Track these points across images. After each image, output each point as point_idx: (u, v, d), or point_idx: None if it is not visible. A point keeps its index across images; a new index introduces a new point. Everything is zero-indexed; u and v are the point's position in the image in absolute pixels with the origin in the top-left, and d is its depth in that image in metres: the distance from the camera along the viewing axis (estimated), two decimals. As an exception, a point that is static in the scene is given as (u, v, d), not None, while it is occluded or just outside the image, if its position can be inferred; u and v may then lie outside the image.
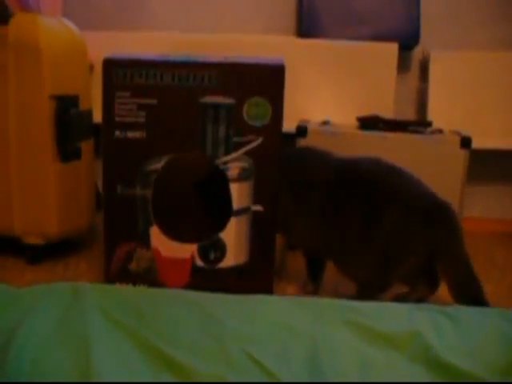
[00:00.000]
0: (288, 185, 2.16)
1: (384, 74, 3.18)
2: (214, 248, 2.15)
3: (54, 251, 2.53)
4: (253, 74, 2.04)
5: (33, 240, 2.47)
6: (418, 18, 3.21)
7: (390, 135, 2.73)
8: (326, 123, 2.90)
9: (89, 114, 2.57)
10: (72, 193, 2.51)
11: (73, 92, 2.46)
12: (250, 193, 2.11)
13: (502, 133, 3.15)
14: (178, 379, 1.28)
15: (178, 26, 3.34)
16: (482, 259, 2.80)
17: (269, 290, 2.13)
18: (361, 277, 2.12)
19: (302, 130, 2.73)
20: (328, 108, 3.17)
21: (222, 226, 2.14)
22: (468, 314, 1.64)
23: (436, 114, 3.16)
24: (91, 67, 2.70)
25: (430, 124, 2.88)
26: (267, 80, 2.04)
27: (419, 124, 2.92)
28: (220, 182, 2.10)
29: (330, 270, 2.27)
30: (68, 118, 2.41)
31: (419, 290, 2.13)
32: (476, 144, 2.69)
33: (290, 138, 2.65)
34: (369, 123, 2.81)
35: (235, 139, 2.06)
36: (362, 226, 2.06)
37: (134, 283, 2.13)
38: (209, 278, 2.16)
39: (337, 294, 2.13)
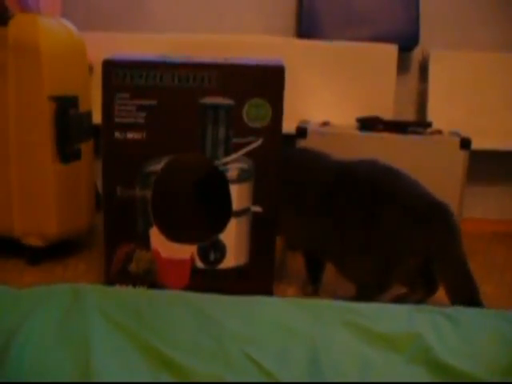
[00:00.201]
0: (286, 186, 2.16)
1: (384, 75, 3.18)
2: (213, 249, 2.15)
3: (54, 252, 2.53)
4: (253, 75, 2.05)
5: (32, 241, 2.47)
6: (417, 19, 3.21)
7: (389, 136, 2.74)
8: (325, 124, 2.90)
9: (88, 114, 2.57)
10: (72, 194, 2.51)
11: (72, 93, 2.46)
12: (249, 194, 2.11)
13: (502, 133, 3.14)
14: (177, 380, 1.28)
15: (177, 27, 3.34)
16: (481, 260, 2.80)
17: (269, 291, 2.13)
18: (359, 278, 2.12)
19: (301, 131, 2.73)
20: (328, 109, 3.17)
21: (221, 227, 2.14)
22: (468, 315, 1.64)
23: (436, 115, 3.15)
24: (91, 68, 2.70)
25: (429, 125, 2.88)
26: (267, 81, 2.04)
27: (419, 125, 2.92)
28: (220, 183, 2.10)
29: (330, 272, 2.27)
30: (67, 119, 2.41)
31: (418, 292, 2.13)
32: (476, 145, 2.69)
33: (290, 139, 2.65)
34: (369, 124, 2.81)
35: (235, 140, 2.07)
36: (360, 227, 2.06)
37: (134, 284, 2.13)
38: (209, 279, 2.16)
39: (336, 296, 2.13)
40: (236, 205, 2.12)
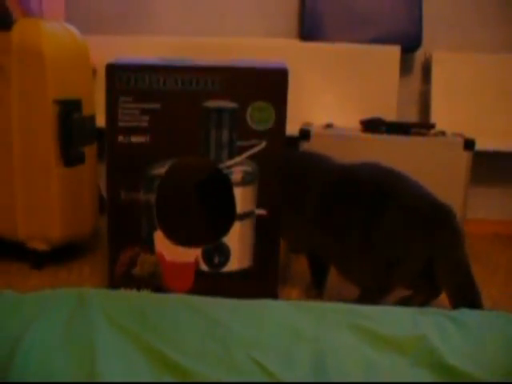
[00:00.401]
0: (288, 189, 2.16)
1: (387, 77, 3.18)
2: (218, 252, 2.15)
3: (58, 256, 2.53)
4: (256, 78, 2.05)
5: (36, 245, 2.47)
6: (420, 21, 3.21)
7: (393, 138, 2.73)
8: (329, 126, 2.90)
9: (92, 118, 2.57)
10: (75, 197, 2.51)
11: (76, 96, 2.46)
12: (253, 197, 2.11)
13: (506, 134, 3.14)
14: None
15: (180, 31, 3.35)
16: (485, 261, 2.80)
17: (273, 294, 2.13)
18: (362, 281, 2.12)
19: (305, 134, 2.73)
20: (331, 111, 3.17)
21: (225, 230, 2.14)
22: (472, 317, 1.64)
23: (439, 116, 3.15)
24: (94, 72, 2.70)
25: (432, 126, 2.87)
26: (270, 84, 2.04)
27: (422, 126, 2.92)
28: (224, 186, 2.10)
29: (334, 274, 2.27)
30: (71, 123, 2.42)
31: (422, 294, 2.13)
32: (479, 146, 2.69)
33: (294, 141, 2.65)
34: (372, 126, 2.81)
35: (239, 143, 2.06)
36: (362, 229, 2.06)
37: (138, 288, 2.13)
38: (213, 282, 2.16)
39: (341, 298, 2.12)
40: (240, 208, 2.12)
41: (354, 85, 3.21)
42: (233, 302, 1.66)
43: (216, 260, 2.15)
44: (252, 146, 2.06)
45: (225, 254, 2.15)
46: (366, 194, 2.09)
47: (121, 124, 2.06)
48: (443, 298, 2.04)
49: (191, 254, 2.15)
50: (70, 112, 2.41)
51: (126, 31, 3.33)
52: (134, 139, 2.07)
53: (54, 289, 1.72)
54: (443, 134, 2.80)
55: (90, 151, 2.57)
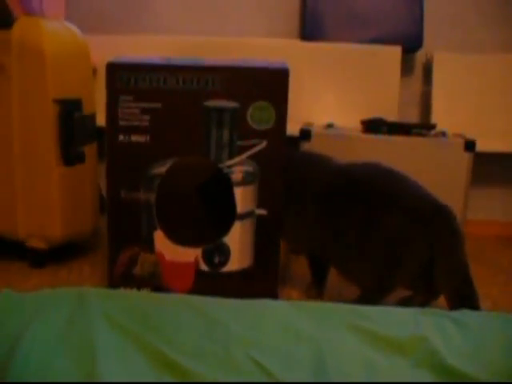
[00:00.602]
0: (287, 189, 2.15)
1: (388, 77, 3.18)
2: (218, 252, 2.14)
3: (58, 255, 2.53)
4: (257, 77, 2.04)
5: (36, 244, 2.47)
6: (421, 21, 3.21)
7: (393, 138, 2.73)
8: (329, 126, 2.90)
9: (92, 117, 2.57)
10: (75, 197, 2.51)
11: (76, 96, 2.46)
12: (254, 196, 2.10)
13: (506, 135, 3.14)
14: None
15: (181, 30, 3.34)
16: (486, 262, 2.80)
17: (273, 294, 2.12)
18: (362, 281, 2.12)
19: (305, 134, 2.72)
20: (332, 111, 3.17)
21: (226, 229, 2.14)
22: (474, 318, 1.63)
23: (440, 117, 3.15)
24: (94, 71, 2.70)
25: (433, 127, 2.87)
26: (271, 84, 2.04)
27: (423, 127, 2.91)
28: (224, 185, 2.09)
29: (334, 274, 2.27)
30: (71, 122, 2.41)
31: (422, 294, 2.12)
32: (480, 147, 2.69)
33: (294, 141, 2.64)
34: (373, 126, 2.81)
35: (239, 143, 2.06)
36: (362, 230, 2.06)
37: (138, 287, 2.12)
38: (213, 282, 2.16)
39: (341, 298, 2.12)
40: (240, 208, 2.11)
41: (355, 85, 3.21)
42: (233, 301, 1.66)
43: (216, 260, 2.15)
44: (252, 146, 2.06)
45: (225, 253, 2.14)
46: (366, 194, 2.08)
47: (121, 123, 2.06)
48: (443, 298, 2.04)
49: (191, 254, 2.15)
50: (70, 111, 2.41)
51: (126, 30, 3.33)
52: (135, 138, 2.07)
53: (53, 288, 1.72)
54: (444, 134, 2.79)
55: (91, 150, 2.57)
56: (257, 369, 1.33)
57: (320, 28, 3.24)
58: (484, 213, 3.35)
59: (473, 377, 1.33)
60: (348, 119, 3.01)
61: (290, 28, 3.33)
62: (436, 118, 3.17)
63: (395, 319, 1.60)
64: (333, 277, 2.29)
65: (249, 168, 2.08)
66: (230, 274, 2.16)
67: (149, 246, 2.14)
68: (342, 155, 2.29)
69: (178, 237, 2.13)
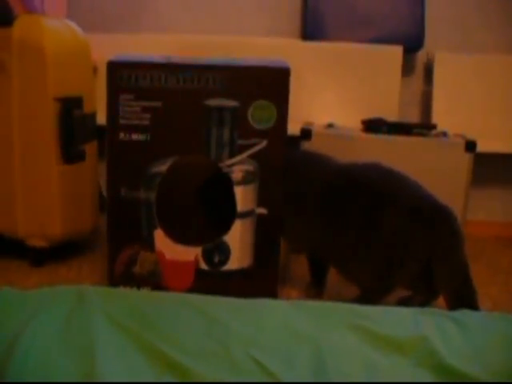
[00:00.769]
0: (288, 189, 2.15)
1: (388, 77, 3.17)
2: (218, 251, 2.14)
3: (58, 253, 2.52)
4: (258, 76, 2.04)
5: (36, 242, 2.47)
6: (422, 21, 3.21)
7: (394, 138, 2.73)
8: (330, 126, 2.90)
9: (93, 116, 2.57)
10: (75, 195, 2.51)
11: (77, 94, 2.46)
12: (254, 196, 2.10)
13: (507, 136, 3.14)
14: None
15: (182, 28, 3.34)
16: (486, 262, 2.80)
17: (273, 293, 2.12)
18: (362, 281, 2.12)
19: (306, 133, 2.72)
20: (332, 111, 3.17)
21: (226, 228, 2.14)
22: (473, 318, 1.63)
23: (440, 117, 3.15)
24: (95, 69, 2.70)
25: (434, 127, 2.87)
26: (272, 83, 2.04)
27: (424, 127, 2.91)
28: (224, 184, 2.09)
29: (334, 274, 2.26)
30: (72, 120, 2.41)
31: (422, 294, 2.12)
32: (481, 147, 2.68)
33: (295, 140, 2.64)
34: (373, 126, 2.80)
35: (240, 142, 2.06)
36: (362, 230, 2.06)
37: (138, 286, 2.12)
38: (213, 281, 2.16)
39: (340, 298, 2.12)
40: (240, 207, 2.11)
41: (356, 85, 3.20)
42: (232, 301, 1.66)
43: (216, 259, 2.15)
44: (253, 145, 2.06)
45: (225, 252, 2.14)
46: (366, 194, 2.08)
47: (122, 122, 2.06)
48: (442, 298, 2.04)
49: (191, 253, 2.15)
50: (70, 109, 2.41)
51: (127, 29, 3.32)
52: (135, 137, 2.06)
53: (53, 286, 1.72)
54: (445, 134, 2.79)
55: (91, 149, 2.57)
56: (257, 368, 1.33)
57: (321, 27, 3.23)
58: (484, 213, 3.35)
59: (473, 377, 1.33)
60: (349, 119, 3.01)
61: (292, 27, 3.32)
62: (436, 118, 3.17)
63: (395, 319, 1.60)
64: (332, 276, 2.29)
65: (249, 167, 2.07)
66: (230, 273, 2.16)
67: (149, 244, 2.14)
68: (343, 155, 2.29)
69: (178, 236, 2.13)
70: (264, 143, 2.06)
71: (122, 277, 2.16)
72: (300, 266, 2.45)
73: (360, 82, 3.19)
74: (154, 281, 2.15)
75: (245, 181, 2.09)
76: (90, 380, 1.24)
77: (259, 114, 2.04)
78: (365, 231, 2.05)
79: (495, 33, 3.27)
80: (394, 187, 2.08)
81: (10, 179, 2.42)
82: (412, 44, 3.22)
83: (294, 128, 2.45)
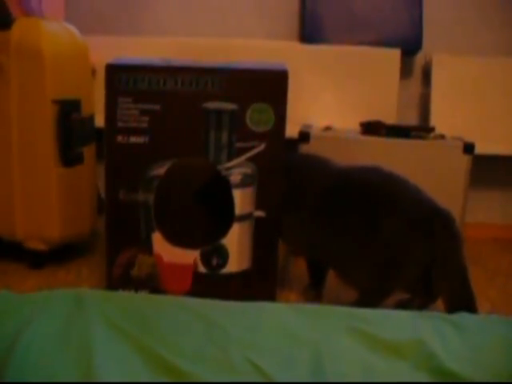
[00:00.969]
0: (287, 192, 2.15)
1: (387, 80, 3.18)
2: (216, 254, 2.14)
3: (56, 256, 2.52)
4: (256, 79, 2.04)
5: (35, 245, 2.46)
6: (420, 24, 3.21)
7: (392, 141, 2.73)
8: (328, 128, 2.90)
9: (91, 118, 2.57)
10: (74, 197, 2.51)
11: (75, 96, 2.46)
12: (252, 199, 2.10)
13: (505, 138, 3.14)
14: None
15: (180, 31, 3.34)
16: (484, 265, 2.80)
17: (272, 296, 2.12)
18: (361, 284, 2.11)
19: (304, 136, 2.72)
20: (331, 113, 3.17)
21: (224, 231, 2.14)
22: (472, 321, 1.63)
23: (439, 120, 3.15)
24: (93, 72, 2.70)
25: (432, 129, 2.87)
26: (270, 86, 2.04)
27: (422, 129, 2.91)
28: (223, 187, 2.09)
29: (333, 277, 2.26)
30: (70, 123, 2.41)
31: (421, 297, 2.12)
32: (479, 149, 2.68)
33: (293, 143, 2.64)
34: (371, 128, 2.81)
35: (238, 145, 2.06)
36: (361, 234, 2.06)
37: (136, 289, 2.12)
38: (211, 284, 2.16)
39: (339, 301, 2.12)
40: (239, 209, 2.11)
41: (354, 87, 3.20)
42: (231, 304, 1.66)
43: (214, 262, 2.15)
44: (251, 148, 2.06)
45: (223, 255, 2.14)
46: (365, 197, 2.08)
47: (120, 124, 2.06)
48: (441, 301, 2.04)
49: (189, 256, 2.15)
50: (69, 112, 2.41)
51: (126, 31, 3.32)
52: (133, 140, 2.06)
53: (51, 289, 1.71)
54: (443, 137, 2.79)
55: (89, 151, 2.57)
56: (255, 371, 1.33)
57: (319, 30, 3.23)
58: (483, 215, 3.35)
59: (470, 380, 1.33)
60: (347, 121, 3.01)
61: (290, 30, 3.32)
62: (435, 120, 3.17)
63: (393, 322, 1.60)
64: (331, 279, 2.29)
65: (247, 170, 2.07)
66: (229, 276, 2.16)
67: (147, 247, 2.14)
68: (341, 157, 2.29)
69: (177, 238, 2.13)
70: (262, 146, 2.06)
71: (120, 280, 2.16)
72: (299, 269, 2.45)
73: (358, 84, 3.20)
74: (153, 284, 2.15)
75: (243, 184, 2.09)
76: (88, 381, 1.24)
77: (257, 117, 2.04)
78: (364, 234, 2.05)
79: (493, 35, 3.27)
80: (394, 190, 2.08)
81: (8, 182, 2.42)
82: (410, 47, 3.23)
83: (292, 131, 2.45)
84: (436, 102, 3.22)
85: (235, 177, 2.08)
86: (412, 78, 3.36)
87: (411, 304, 2.10)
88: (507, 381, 1.36)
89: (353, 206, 2.09)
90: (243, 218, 2.12)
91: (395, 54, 3.16)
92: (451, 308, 1.92)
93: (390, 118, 3.03)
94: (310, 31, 3.24)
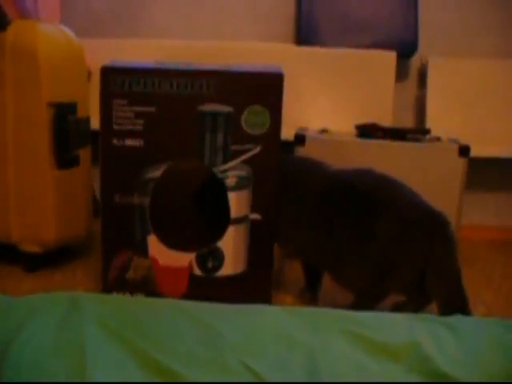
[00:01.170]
0: (281, 195, 2.15)
1: (382, 82, 3.18)
2: (211, 257, 2.14)
3: (52, 259, 2.52)
4: (251, 82, 2.04)
5: (30, 247, 2.46)
6: (416, 26, 3.22)
7: (388, 143, 2.73)
8: (324, 131, 2.90)
9: (86, 121, 2.57)
10: (70, 200, 2.50)
11: (70, 99, 2.45)
12: (248, 201, 2.10)
13: (501, 141, 3.14)
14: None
15: (176, 34, 3.34)
16: (480, 267, 2.80)
17: (267, 299, 2.12)
18: (356, 287, 2.11)
19: (300, 138, 2.72)
20: (326, 116, 3.17)
21: (219, 234, 2.13)
22: (467, 324, 1.63)
23: (434, 122, 3.15)
24: (89, 74, 2.70)
25: (428, 132, 2.87)
26: (266, 88, 2.04)
27: (417, 132, 2.92)
28: (218, 190, 2.09)
29: (329, 280, 2.26)
30: (66, 125, 2.41)
31: (416, 299, 2.12)
32: (474, 152, 2.69)
33: (289, 146, 2.64)
34: (367, 131, 2.81)
35: (233, 147, 2.06)
36: (356, 237, 2.05)
37: (132, 292, 2.12)
38: (206, 286, 2.16)
39: (335, 304, 2.12)
40: (234, 212, 2.11)
41: (350, 90, 3.21)
42: (226, 307, 1.65)
43: (210, 264, 2.15)
44: (247, 151, 2.06)
45: (219, 258, 2.14)
46: (360, 200, 2.08)
47: (115, 127, 2.06)
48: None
49: (185, 259, 2.15)
50: (64, 114, 2.40)
51: (121, 34, 3.32)
52: (129, 142, 2.06)
53: (47, 292, 1.71)
54: (438, 139, 2.80)
55: (85, 154, 2.56)
56: (249, 374, 1.33)
57: (315, 33, 3.24)
58: (478, 217, 3.36)
59: (466, 383, 1.33)
60: (342, 124, 3.01)
61: (285, 32, 3.33)
62: (430, 123, 3.18)
63: (389, 325, 1.59)
64: (327, 282, 2.29)
65: (243, 173, 2.07)
66: (224, 279, 2.16)
67: (142, 250, 2.14)
68: (337, 160, 2.29)
69: (172, 241, 2.13)
70: (258, 149, 2.06)
71: (115, 282, 2.16)
72: (294, 271, 2.45)
73: (354, 87, 3.20)
74: (148, 286, 2.15)
75: (238, 186, 2.09)
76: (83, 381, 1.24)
77: (253, 120, 2.04)
78: (358, 237, 2.05)
79: (489, 38, 3.28)
80: (388, 193, 2.08)
81: (3, 184, 2.41)
82: (406, 49, 3.23)
83: (287, 133, 2.45)
84: (432, 105, 3.23)
85: (231, 179, 2.08)
86: (408, 81, 3.36)
87: (406, 307, 2.10)
88: (502, 382, 1.36)
89: (347, 209, 2.09)
90: (239, 220, 2.12)
91: (391, 57, 3.17)
92: (444, 310, 1.92)
93: (385, 121, 3.03)
94: (305, 34, 3.24)
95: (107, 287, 2.16)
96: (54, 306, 1.57)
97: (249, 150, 2.06)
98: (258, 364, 1.36)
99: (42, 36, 2.35)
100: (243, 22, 3.34)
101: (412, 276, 2.02)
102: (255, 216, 2.11)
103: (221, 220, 2.13)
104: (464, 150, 2.67)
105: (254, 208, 2.11)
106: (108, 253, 2.16)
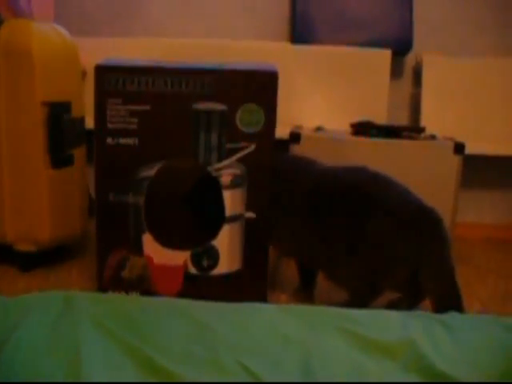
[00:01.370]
0: (274, 195, 2.15)
1: (377, 80, 3.18)
2: (206, 255, 2.14)
3: (47, 258, 2.51)
4: (246, 80, 2.04)
5: (25, 247, 2.45)
6: (411, 24, 3.22)
7: (383, 141, 2.73)
8: (319, 129, 2.90)
9: (81, 120, 2.56)
10: (64, 199, 2.50)
11: (65, 98, 2.45)
12: (242, 200, 2.10)
13: (496, 138, 3.15)
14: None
15: (170, 32, 3.34)
16: (475, 264, 2.80)
17: (262, 298, 2.12)
18: (350, 285, 2.11)
19: (295, 137, 2.72)
20: (321, 114, 3.17)
21: (214, 233, 2.13)
22: (462, 321, 1.64)
23: (429, 120, 3.16)
24: (84, 73, 2.69)
25: (423, 130, 2.88)
26: (260, 86, 2.04)
27: (412, 130, 2.92)
28: (213, 188, 2.09)
29: (323, 278, 2.26)
30: (60, 125, 2.40)
31: (411, 296, 2.12)
32: (469, 149, 2.69)
33: (284, 144, 2.64)
34: (362, 129, 2.81)
35: (228, 146, 2.06)
36: (349, 235, 2.05)
37: (127, 291, 2.12)
38: (202, 285, 2.15)
39: (331, 302, 2.12)
40: (229, 211, 2.11)
41: (345, 88, 3.21)
42: (221, 305, 1.65)
43: (205, 263, 2.15)
44: (241, 149, 2.06)
45: (214, 257, 2.14)
46: (353, 198, 2.08)
47: (110, 126, 2.05)
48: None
49: (180, 257, 2.15)
50: (59, 114, 2.40)
51: (115, 33, 3.32)
52: (123, 141, 2.06)
53: (41, 292, 1.71)
54: (433, 137, 2.80)
55: (79, 153, 2.56)
56: (244, 373, 1.33)
57: (310, 31, 3.24)
58: (473, 215, 3.37)
59: (461, 380, 1.33)
60: (338, 122, 3.01)
61: (280, 31, 3.33)
62: (425, 120, 3.18)
63: (383, 323, 1.60)
64: (322, 280, 2.29)
65: (237, 171, 2.07)
66: (219, 278, 2.16)
67: (137, 249, 2.14)
68: (332, 158, 2.29)
69: (167, 240, 2.13)
70: (252, 147, 2.06)
71: (110, 281, 2.15)
72: (290, 270, 2.45)
73: (349, 85, 3.20)
74: (143, 285, 2.14)
75: (233, 185, 2.09)
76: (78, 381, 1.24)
77: (247, 118, 2.04)
78: (352, 235, 2.05)
79: (483, 35, 3.29)
80: (381, 190, 2.07)
81: (-2, 184, 2.41)
82: (400, 47, 3.23)
83: (282, 131, 2.45)
84: (426, 103, 3.23)
85: (225, 178, 2.08)
86: (402, 79, 3.37)
87: (401, 304, 2.10)
88: (498, 381, 1.36)
89: (340, 207, 2.08)
90: (234, 219, 2.12)
91: (386, 55, 3.17)
92: (438, 308, 1.92)
93: (380, 119, 3.04)
94: (300, 32, 3.24)
95: (102, 286, 2.16)
96: (49, 306, 1.57)
97: (243, 148, 2.06)
98: (253, 362, 1.36)
99: (36, 35, 2.34)
100: (238, 20, 3.34)
101: (405, 274, 2.02)
102: (250, 214, 2.11)
103: (216, 218, 2.12)
104: (459, 148, 2.67)
105: (248, 206, 2.11)
106: (103, 252, 2.15)
